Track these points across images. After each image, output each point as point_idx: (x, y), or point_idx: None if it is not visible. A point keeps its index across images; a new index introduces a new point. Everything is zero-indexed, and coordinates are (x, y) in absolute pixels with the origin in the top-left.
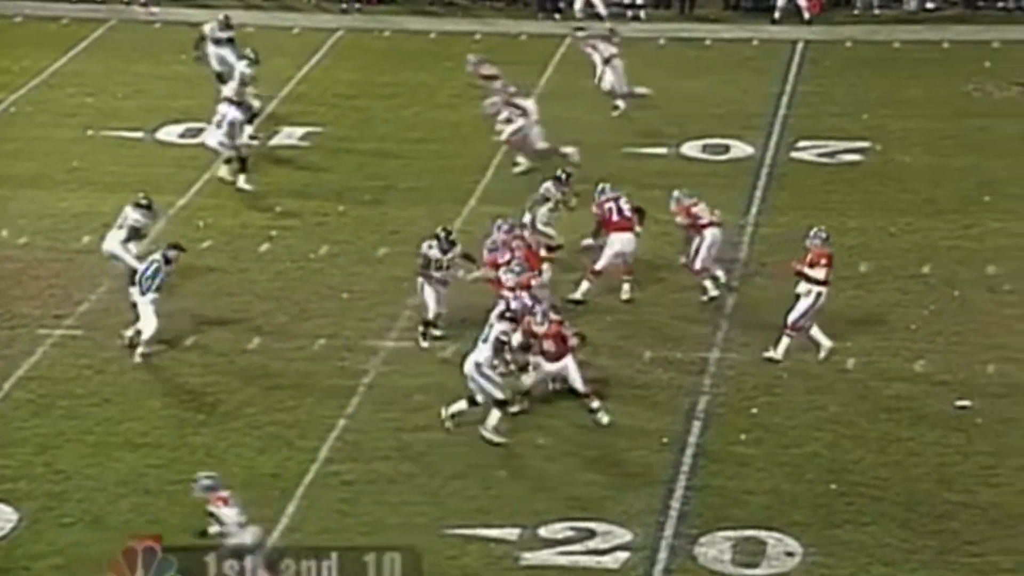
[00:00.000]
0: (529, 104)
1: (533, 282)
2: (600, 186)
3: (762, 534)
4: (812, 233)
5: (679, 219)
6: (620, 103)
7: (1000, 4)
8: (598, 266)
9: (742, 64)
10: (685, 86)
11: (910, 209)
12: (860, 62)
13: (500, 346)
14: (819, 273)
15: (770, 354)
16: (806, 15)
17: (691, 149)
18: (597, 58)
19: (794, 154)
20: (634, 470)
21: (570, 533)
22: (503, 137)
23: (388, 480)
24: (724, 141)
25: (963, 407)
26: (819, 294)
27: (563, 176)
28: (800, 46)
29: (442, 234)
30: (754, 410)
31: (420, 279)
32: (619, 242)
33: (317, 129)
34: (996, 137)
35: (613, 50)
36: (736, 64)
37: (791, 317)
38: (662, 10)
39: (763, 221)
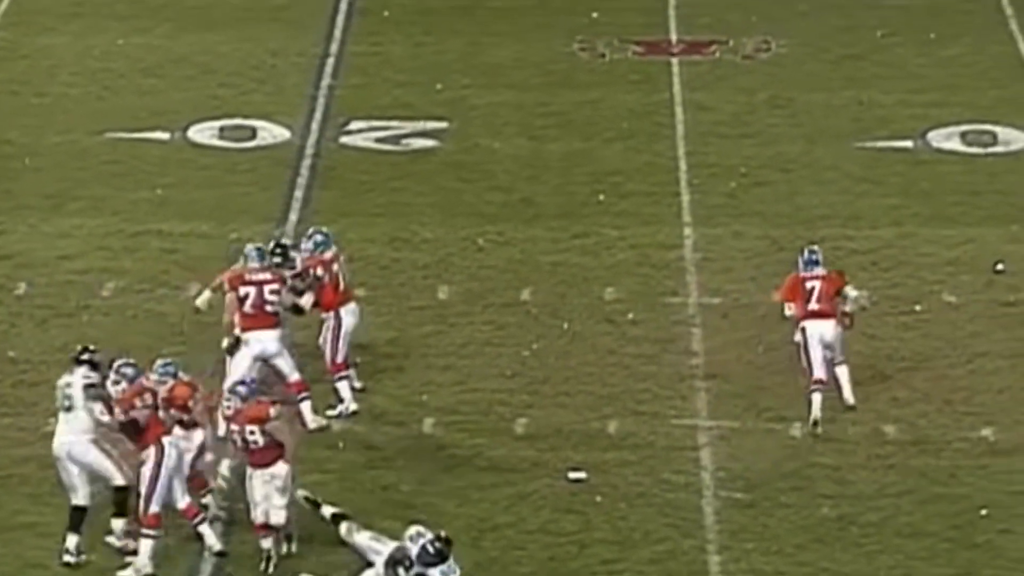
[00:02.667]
0: None
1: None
2: (315, 236)
3: None
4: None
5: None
6: None
7: None
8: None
9: (269, 15)
10: (190, 44)
11: (502, 213)
12: (429, 13)
13: None
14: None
15: (816, 415)
16: None
17: (202, 133)
18: None
19: (345, 139)
20: None
21: None
22: None
23: None
24: (249, 122)
25: (577, 480)
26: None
27: None
28: None
29: None
30: (301, 492)
31: None
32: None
33: None
34: (609, 114)
35: None
36: (261, 15)
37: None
38: None
39: (306, 231)
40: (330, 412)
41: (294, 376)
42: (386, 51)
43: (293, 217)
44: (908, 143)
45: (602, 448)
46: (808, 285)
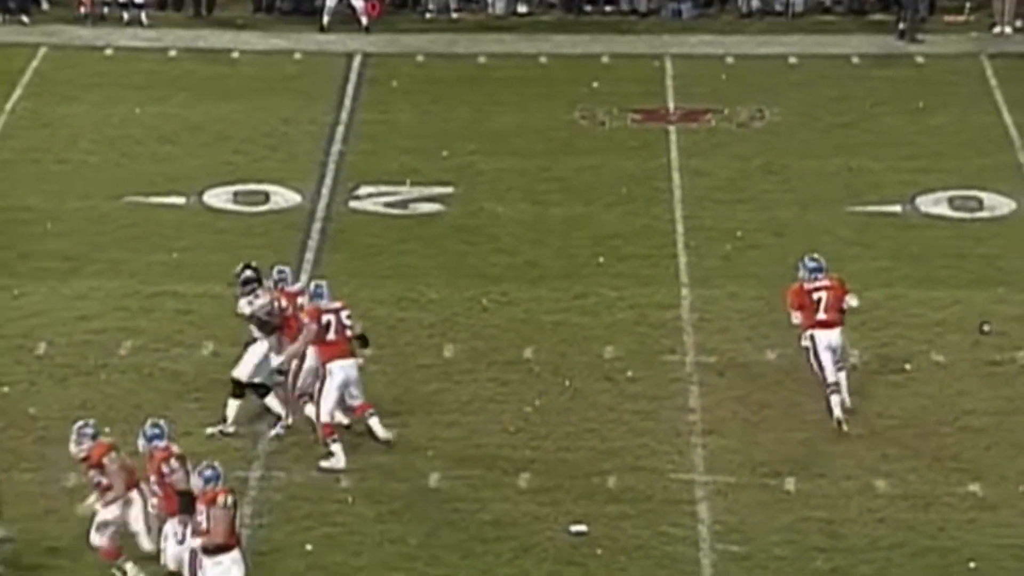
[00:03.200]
0: None
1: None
2: (314, 286)
3: None
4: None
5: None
6: None
7: (609, 8)
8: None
9: (282, 84)
10: (206, 113)
11: (506, 275)
12: (435, 82)
13: None
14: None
15: (837, 415)
16: (363, 20)
17: (217, 198)
18: None
19: (354, 203)
20: None
21: None
22: None
23: None
24: (262, 187)
25: (580, 533)
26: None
27: None
28: (357, 61)
29: None
30: (308, 546)
31: None
32: (341, 370)
33: None
34: (608, 179)
35: None
36: (274, 84)
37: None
38: (171, 12)
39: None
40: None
41: (359, 400)
42: (394, 119)
43: (304, 278)
44: (897, 208)
45: (602, 502)
46: (815, 296)
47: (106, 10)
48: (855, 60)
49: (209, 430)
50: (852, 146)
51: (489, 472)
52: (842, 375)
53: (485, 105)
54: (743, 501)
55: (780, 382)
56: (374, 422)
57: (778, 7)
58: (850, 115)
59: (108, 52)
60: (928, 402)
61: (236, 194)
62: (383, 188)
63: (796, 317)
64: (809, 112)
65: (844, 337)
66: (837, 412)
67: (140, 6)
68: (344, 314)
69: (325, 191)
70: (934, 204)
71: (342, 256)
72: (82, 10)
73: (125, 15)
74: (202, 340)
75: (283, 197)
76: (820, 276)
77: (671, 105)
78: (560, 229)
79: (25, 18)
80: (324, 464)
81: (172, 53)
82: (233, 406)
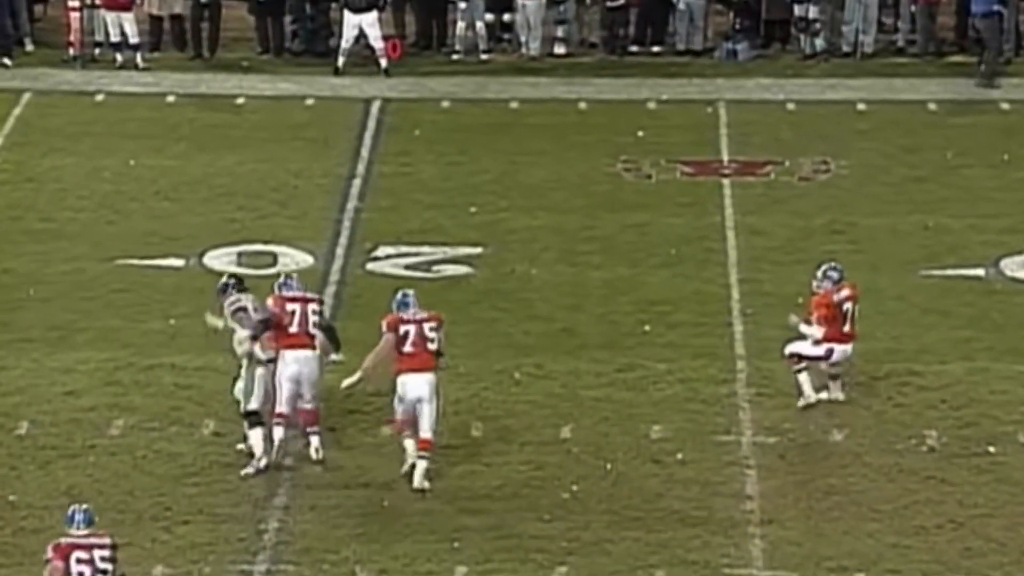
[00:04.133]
0: None
1: None
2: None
3: None
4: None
5: None
6: None
7: (657, 48)
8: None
9: (292, 133)
10: (207, 165)
11: (541, 345)
12: (463, 131)
13: None
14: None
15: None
16: (383, 62)
17: (219, 260)
18: None
19: (371, 266)
20: None
21: None
22: None
23: None
24: (269, 248)
25: None
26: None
27: None
28: (376, 107)
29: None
30: None
31: None
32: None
33: None
34: (655, 238)
35: None
36: (283, 133)
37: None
38: (169, 53)
39: (328, 364)
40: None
41: (309, 405)
42: (417, 171)
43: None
44: (980, 271)
45: None
46: (845, 308)
47: (97, 52)
48: (931, 107)
49: (245, 471)
50: (928, 202)
51: (522, 566)
52: (838, 383)
53: (518, 156)
54: None
55: (847, 466)
56: (314, 441)
57: (845, 48)
58: (926, 168)
59: (99, 98)
60: (1016, 489)
61: (240, 255)
62: (404, 249)
63: (819, 332)
64: (880, 164)
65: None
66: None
67: (135, 47)
68: (312, 307)
69: (340, 252)
70: (1021, 267)
71: (358, 324)
72: (71, 52)
73: (118, 57)
74: (202, 419)
75: (293, 259)
76: (844, 286)
77: (725, 156)
78: (601, 294)
79: (7, 60)
80: (240, 445)
81: (170, 99)
82: (257, 436)
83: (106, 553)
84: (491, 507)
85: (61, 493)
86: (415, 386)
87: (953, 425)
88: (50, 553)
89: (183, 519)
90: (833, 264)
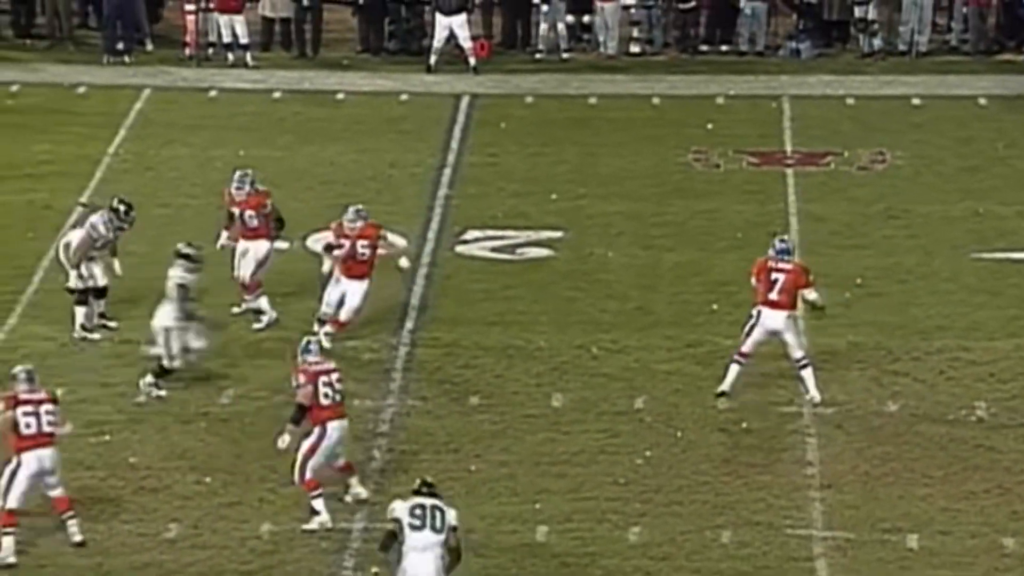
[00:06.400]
0: None
1: None
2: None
3: None
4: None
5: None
6: None
7: (725, 47)
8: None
9: (388, 126)
10: (309, 155)
11: (616, 321)
12: (545, 124)
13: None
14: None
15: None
16: (472, 61)
17: (320, 243)
18: None
19: (460, 248)
20: None
21: None
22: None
23: None
24: None
25: None
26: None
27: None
28: (465, 102)
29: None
30: None
31: None
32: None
33: None
34: (723, 224)
35: None
36: (379, 126)
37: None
38: (276, 53)
39: (421, 339)
40: None
41: None
42: (502, 161)
43: (409, 324)
44: None
45: (716, 558)
46: (773, 276)
47: (211, 51)
48: (982, 101)
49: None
50: (979, 190)
51: (599, 525)
52: (808, 372)
53: (596, 147)
54: (863, 558)
55: (902, 435)
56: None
57: (901, 46)
58: (977, 158)
59: (212, 94)
60: None
61: None
62: (490, 232)
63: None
64: (933, 155)
65: (795, 327)
66: (728, 384)
67: (245, 47)
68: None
69: (431, 235)
70: None
71: (448, 302)
72: (187, 51)
73: (230, 56)
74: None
75: (388, 241)
76: (786, 259)
77: (789, 148)
78: (672, 275)
79: (128, 58)
80: None
81: (277, 95)
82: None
83: (50, 407)
84: (570, 472)
85: (176, 456)
86: None
87: (1001, 397)
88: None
89: (286, 481)
90: (783, 238)
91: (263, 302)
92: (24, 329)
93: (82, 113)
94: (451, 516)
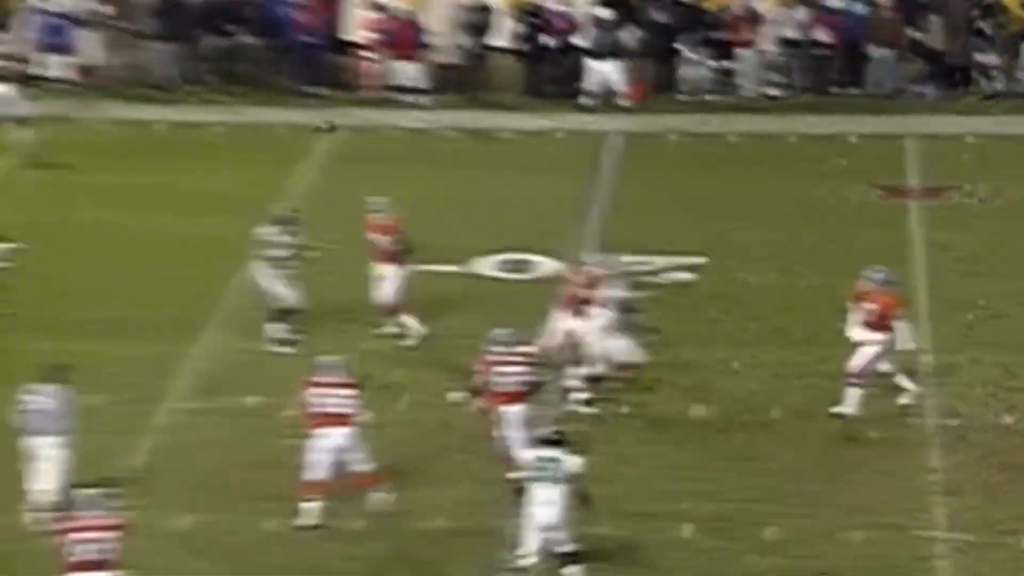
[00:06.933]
0: None
1: None
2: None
3: None
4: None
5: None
6: None
7: (856, 91)
8: None
9: (546, 161)
10: (476, 188)
11: (756, 339)
12: (689, 159)
13: None
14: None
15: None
16: (622, 101)
17: (485, 266)
18: None
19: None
20: None
21: None
22: None
23: None
24: (525, 256)
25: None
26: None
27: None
28: (615, 139)
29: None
30: None
31: None
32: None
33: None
34: (852, 251)
35: None
36: (538, 161)
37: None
38: (448, 95)
39: None
40: None
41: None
42: (649, 193)
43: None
44: None
45: (847, 557)
46: (867, 302)
47: (390, 94)
48: None
49: None
50: None
51: (738, 526)
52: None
53: (736, 181)
54: (982, 558)
55: (1019, 446)
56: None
57: (1020, 90)
58: None
59: (394, 132)
60: None
61: (501, 263)
62: (639, 258)
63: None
64: None
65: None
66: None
67: (420, 91)
68: None
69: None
70: None
71: None
72: (369, 94)
73: (407, 98)
74: (472, 398)
75: (546, 265)
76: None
77: (914, 182)
78: (806, 297)
79: (314, 100)
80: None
81: (449, 133)
82: None
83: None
84: (711, 476)
85: None
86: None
87: None
88: None
89: (457, 480)
90: (877, 268)
91: (408, 321)
92: None
93: (271, 149)
94: (572, 464)
